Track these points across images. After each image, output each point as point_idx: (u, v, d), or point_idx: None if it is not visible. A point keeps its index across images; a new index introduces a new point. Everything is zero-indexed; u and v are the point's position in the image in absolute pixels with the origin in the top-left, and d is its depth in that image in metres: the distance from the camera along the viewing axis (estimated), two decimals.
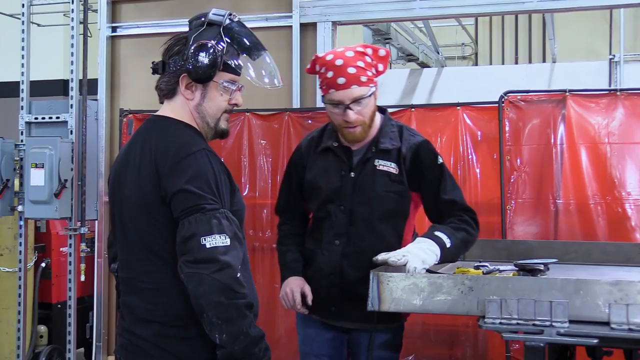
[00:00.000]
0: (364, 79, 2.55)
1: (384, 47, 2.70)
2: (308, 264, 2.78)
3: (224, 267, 1.91)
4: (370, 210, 2.66)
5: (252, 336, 1.98)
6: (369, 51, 2.61)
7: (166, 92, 2.14)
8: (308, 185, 2.77)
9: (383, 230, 2.67)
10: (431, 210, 2.71)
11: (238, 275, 1.93)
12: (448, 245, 2.47)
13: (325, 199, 2.71)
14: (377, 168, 2.66)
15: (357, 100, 2.55)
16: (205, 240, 1.91)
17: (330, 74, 2.55)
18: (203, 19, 2.11)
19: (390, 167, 2.66)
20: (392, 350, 2.74)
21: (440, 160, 2.70)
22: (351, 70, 2.53)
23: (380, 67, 2.64)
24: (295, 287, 2.70)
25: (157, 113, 2.18)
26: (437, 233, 2.49)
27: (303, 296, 2.69)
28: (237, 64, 2.12)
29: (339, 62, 2.55)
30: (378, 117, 2.72)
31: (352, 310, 2.55)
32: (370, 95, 2.58)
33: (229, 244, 1.93)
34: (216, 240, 1.91)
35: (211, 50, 2.05)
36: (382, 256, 2.36)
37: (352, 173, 2.68)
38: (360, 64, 2.56)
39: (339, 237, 2.68)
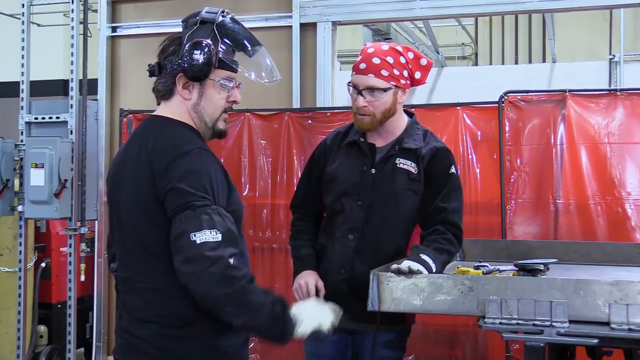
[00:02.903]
0: (384, 73, 2.59)
1: (427, 57, 2.74)
2: (319, 259, 2.78)
3: (216, 259, 1.89)
4: (387, 207, 2.67)
5: (264, 304, 1.96)
6: (410, 55, 2.66)
7: (164, 93, 2.14)
8: (327, 178, 2.78)
9: (396, 229, 2.69)
10: (421, 212, 2.70)
11: (231, 262, 1.90)
12: (434, 270, 2.45)
13: (341, 192, 2.72)
14: (397, 166, 2.68)
15: (369, 89, 2.60)
16: (195, 236, 1.89)
17: (359, 58, 2.64)
18: (196, 17, 2.11)
19: (410, 166, 2.67)
20: (394, 352, 2.73)
21: (453, 170, 2.70)
22: (375, 60, 2.60)
23: (418, 74, 2.67)
24: (310, 279, 2.69)
25: (154, 113, 2.18)
26: (423, 257, 2.46)
27: (316, 290, 2.68)
28: (232, 60, 2.12)
29: (370, 50, 2.63)
30: (404, 119, 2.75)
31: (357, 309, 2.54)
32: (386, 91, 2.60)
33: (220, 239, 1.91)
34: (206, 236, 1.89)
35: (205, 48, 2.04)
36: (393, 267, 2.35)
37: (373, 169, 2.70)
38: (390, 59, 2.60)
39: (353, 232, 2.68)
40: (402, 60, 2.62)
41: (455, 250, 2.67)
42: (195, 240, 1.88)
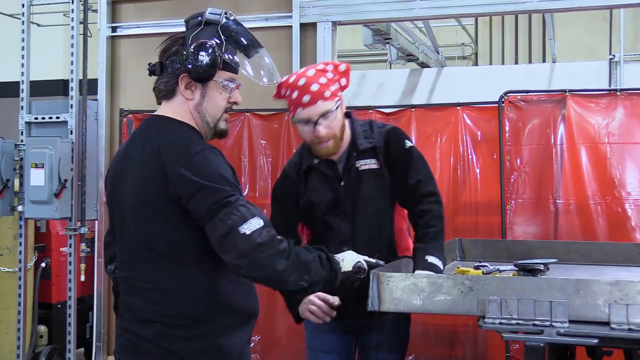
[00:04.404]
0: (327, 94, 2.62)
1: (345, 63, 2.77)
2: None
3: (269, 241, 1.98)
4: (367, 210, 2.73)
5: (314, 258, 2.12)
6: (330, 67, 2.69)
7: (165, 93, 2.14)
8: (305, 206, 2.81)
9: (383, 225, 2.76)
10: (398, 194, 2.76)
11: (279, 237, 2.03)
12: (441, 268, 2.56)
13: (323, 212, 2.77)
14: (360, 169, 2.74)
15: (324, 115, 2.62)
16: (244, 228, 1.96)
17: (295, 94, 2.62)
18: (200, 18, 2.12)
19: (371, 164, 2.74)
20: (399, 343, 2.80)
21: (409, 144, 2.77)
22: (314, 87, 2.60)
23: (344, 81, 2.71)
24: (316, 299, 2.65)
25: (155, 113, 2.18)
26: (430, 260, 2.55)
27: (327, 302, 2.66)
28: (235, 62, 2.13)
29: (301, 81, 2.62)
30: (346, 122, 2.78)
31: (358, 308, 2.56)
32: (336, 109, 2.65)
33: (263, 223, 1.99)
34: (253, 225, 1.97)
35: (210, 50, 2.05)
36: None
37: (341, 182, 2.75)
38: (323, 80, 2.63)
39: (345, 244, 2.69)
40: (330, 75, 2.66)
41: (443, 219, 2.73)
42: (245, 233, 1.95)
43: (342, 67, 2.71)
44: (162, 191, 1.99)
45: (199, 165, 1.98)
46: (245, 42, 2.14)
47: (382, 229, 2.76)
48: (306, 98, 2.60)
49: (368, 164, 2.74)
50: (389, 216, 2.78)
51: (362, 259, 2.36)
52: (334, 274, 2.18)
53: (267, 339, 4.62)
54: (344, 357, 2.85)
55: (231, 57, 2.12)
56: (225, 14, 2.12)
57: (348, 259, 2.33)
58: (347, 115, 2.83)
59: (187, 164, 1.98)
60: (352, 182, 2.74)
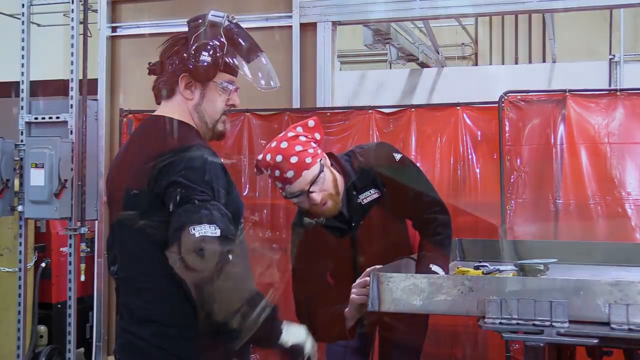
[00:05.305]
0: (308, 160, 2.55)
1: (311, 118, 2.70)
2: None
3: (214, 253, 1.86)
4: (382, 241, 2.73)
5: (261, 306, 1.92)
6: (300, 130, 2.61)
7: (165, 92, 2.15)
8: None
9: (400, 243, 2.80)
10: (402, 208, 2.75)
11: (230, 258, 1.88)
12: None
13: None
14: (363, 203, 2.70)
15: (314, 182, 2.56)
16: (194, 229, 1.86)
17: (277, 173, 2.55)
18: (201, 20, 2.13)
19: (372, 194, 2.71)
20: (417, 335, 2.87)
21: (399, 157, 2.73)
22: (293, 159, 2.53)
23: (317, 135, 2.65)
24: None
25: (155, 113, 2.18)
26: (434, 269, 2.55)
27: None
28: (235, 64, 2.14)
29: (279, 158, 2.54)
30: (335, 171, 2.70)
31: None
32: (323, 170, 2.58)
33: (218, 234, 1.88)
34: (205, 230, 1.86)
35: (212, 50, 2.07)
36: None
37: (352, 223, 2.72)
38: (299, 147, 2.55)
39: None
40: (303, 138, 2.59)
41: (450, 227, 2.71)
42: (194, 234, 1.85)
43: (311, 123, 2.65)
44: (155, 190, 1.99)
45: (180, 162, 1.96)
46: (246, 46, 2.15)
47: (401, 245, 2.79)
48: (290, 174, 2.53)
49: (369, 195, 2.70)
50: (403, 230, 2.82)
51: (309, 343, 2.06)
52: (266, 333, 1.95)
53: None
54: (363, 350, 2.89)
55: (231, 60, 2.12)
56: (228, 17, 2.14)
57: (292, 332, 2.04)
58: (329, 156, 2.75)
59: (171, 161, 1.97)
60: (361, 220, 2.72)
